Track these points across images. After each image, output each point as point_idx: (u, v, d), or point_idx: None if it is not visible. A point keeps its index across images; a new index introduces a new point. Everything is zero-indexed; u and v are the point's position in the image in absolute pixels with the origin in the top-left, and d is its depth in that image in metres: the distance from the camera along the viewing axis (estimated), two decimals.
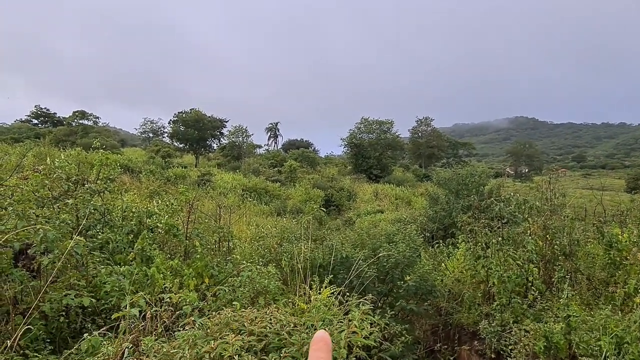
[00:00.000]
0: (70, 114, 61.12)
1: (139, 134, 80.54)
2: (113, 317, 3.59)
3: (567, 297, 5.04)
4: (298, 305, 4.57)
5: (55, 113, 70.54)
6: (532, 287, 6.22)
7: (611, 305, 5.08)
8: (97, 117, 62.64)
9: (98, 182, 7.58)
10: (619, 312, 4.95)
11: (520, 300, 6.08)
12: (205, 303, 4.92)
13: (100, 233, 6.60)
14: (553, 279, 6.24)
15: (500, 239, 7.42)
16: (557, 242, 6.71)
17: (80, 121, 59.91)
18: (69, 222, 5.75)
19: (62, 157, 7.83)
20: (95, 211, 6.81)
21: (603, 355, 4.17)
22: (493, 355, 5.80)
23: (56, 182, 6.81)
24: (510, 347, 5.18)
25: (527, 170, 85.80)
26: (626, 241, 6.32)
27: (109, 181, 7.92)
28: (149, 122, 77.82)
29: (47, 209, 6.17)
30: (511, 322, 5.74)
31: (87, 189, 6.83)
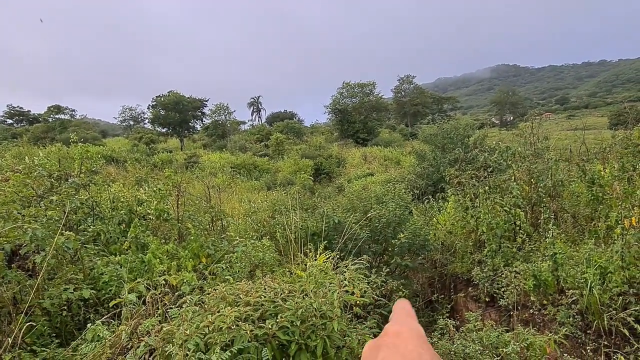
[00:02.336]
0: (45, 110, 59.32)
1: (119, 122, 78.75)
2: (110, 304, 3.65)
3: (552, 236, 5.22)
4: (295, 273, 4.68)
5: (29, 110, 68.36)
6: (520, 231, 6.42)
7: (594, 238, 5.29)
8: (74, 111, 60.95)
9: (81, 175, 7.49)
10: (602, 244, 5.16)
11: (509, 244, 6.28)
12: (205, 281, 5.02)
13: (91, 226, 6.59)
14: (539, 221, 6.43)
15: (487, 188, 7.57)
16: (542, 184, 6.86)
17: (57, 116, 58.30)
18: (57, 218, 5.72)
19: (41, 155, 7.67)
20: (83, 205, 6.77)
21: (589, 286, 4.38)
22: (487, 299, 6.05)
23: (38, 180, 6.72)
24: (502, 290, 5.40)
25: (512, 118, 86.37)
26: (608, 176, 6.49)
27: (92, 173, 7.84)
28: (127, 110, 75.92)
29: (34, 207, 6.12)
30: (502, 266, 5.96)
31: (71, 184, 6.75)
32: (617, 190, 5.68)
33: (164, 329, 2.43)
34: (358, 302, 3.56)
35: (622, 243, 4.45)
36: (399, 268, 7.15)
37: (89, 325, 3.67)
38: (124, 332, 2.59)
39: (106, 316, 3.83)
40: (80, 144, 7.68)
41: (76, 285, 4.82)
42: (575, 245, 5.59)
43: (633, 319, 3.73)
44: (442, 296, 7.22)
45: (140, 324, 2.84)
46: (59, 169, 7.29)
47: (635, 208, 4.95)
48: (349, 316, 3.50)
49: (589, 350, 3.92)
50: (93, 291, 4.79)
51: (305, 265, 4.90)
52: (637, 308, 3.81)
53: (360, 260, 4.93)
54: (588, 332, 4.27)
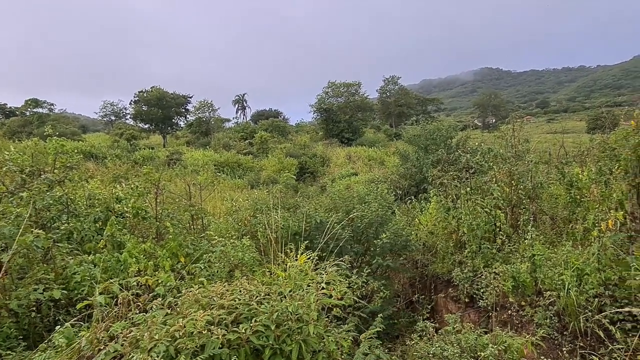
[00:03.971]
0: (23, 104, 57.53)
1: (100, 117, 77.18)
2: (78, 307, 3.50)
3: (531, 237, 5.27)
4: (275, 274, 4.60)
5: (5, 104, 66.17)
6: (500, 232, 6.47)
7: (572, 240, 5.36)
8: (52, 105, 59.26)
9: (55, 171, 7.24)
10: (579, 246, 5.23)
11: (489, 245, 6.33)
12: (183, 282, 4.89)
13: (66, 224, 6.37)
14: (519, 222, 6.50)
15: (468, 189, 7.62)
16: (522, 186, 6.94)
17: (35, 110, 56.60)
18: (27, 215, 5.49)
19: (12, 149, 7.36)
20: (57, 202, 6.54)
21: (566, 288, 4.43)
22: (467, 300, 6.09)
23: (9, 176, 6.46)
24: (482, 290, 5.43)
25: (494, 120, 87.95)
26: (586, 179, 6.60)
27: (67, 169, 7.57)
28: (109, 105, 74.38)
29: (3, 204, 5.87)
30: (482, 267, 5.99)
31: (44, 180, 6.51)
32: (595, 193, 5.77)
33: (131, 334, 2.32)
34: (331, 304, 3.50)
35: (599, 245, 4.52)
36: (380, 268, 7.13)
37: (57, 327, 3.51)
38: (84, 338, 2.45)
39: (76, 318, 3.67)
40: (55, 138, 7.41)
41: (47, 286, 4.63)
42: (553, 247, 5.66)
43: (608, 320, 3.78)
44: (423, 296, 7.24)
45: (110, 327, 2.71)
46: (31, 164, 7.03)
47: (611, 211, 5.04)
48: (327, 318, 3.43)
49: (565, 352, 3.96)
50: (64, 292, 4.61)
51: (286, 265, 4.82)
52: (613, 310, 3.86)
53: (340, 260, 4.87)
54: (564, 333, 4.32)
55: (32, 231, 4.75)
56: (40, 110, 56.96)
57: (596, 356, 3.55)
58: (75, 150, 8.69)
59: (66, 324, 3.54)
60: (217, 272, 5.23)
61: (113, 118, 74.24)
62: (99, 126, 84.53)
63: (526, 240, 5.36)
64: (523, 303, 4.96)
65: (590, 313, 4.11)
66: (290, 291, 3.02)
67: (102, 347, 2.32)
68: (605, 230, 4.73)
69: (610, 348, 3.56)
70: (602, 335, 3.75)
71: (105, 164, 25.09)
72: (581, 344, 4.08)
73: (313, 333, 2.56)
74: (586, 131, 48.60)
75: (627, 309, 3.22)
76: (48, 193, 6.18)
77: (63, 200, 6.76)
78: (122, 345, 2.33)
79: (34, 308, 4.47)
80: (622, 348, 3.51)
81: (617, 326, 3.72)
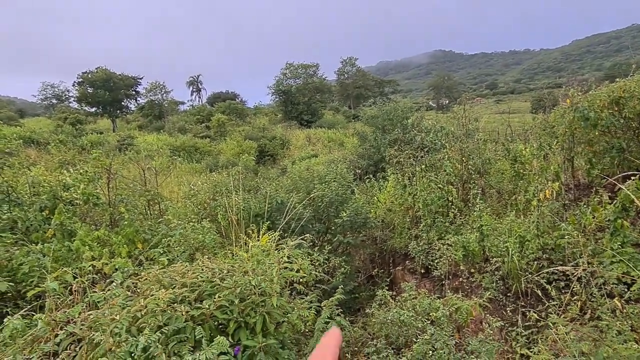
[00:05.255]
0: None
1: (40, 101, 71.62)
2: (28, 294, 3.36)
3: (479, 209, 5.62)
4: (238, 255, 4.62)
5: None
6: (452, 206, 6.85)
7: (515, 211, 5.78)
8: None
9: None
10: (522, 215, 5.66)
11: (442, 219, 6.69)
12: (141, 267, 4.80)
13: (7, 213, 6.01)
14: (469, 196, 6.89)
15: (423, 166, 7.95)
16: (472, 163, 7.33)
17: None
18: None
19: None
20: None
21: (509, 254, 4.81)
22: (422, 271, 6.43)
23: None
24: (436, 261, 5.75)
25: (447, 101, 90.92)
26: (528, 155, 7.08)
27: (6, 155, 7.10)
28: (49, 87, 69.06)
29: None
30: (436, 239, 6.33)
31: None
32: (535, 166, 6.22)
33: (91, 316, 2.29)
34: (300, 279, 3.61)
35: (538, 214, 4.91)
36: (341, 245, 7.33)
37: (6, 319, 3.36)
38: (40, 321, 2.38)
39: (26, 309, 3.52)
40: None
41: None
42: (499, 218, 6.07)
43: (545, 280, 4.16)
44: (382, 271, 7.54)
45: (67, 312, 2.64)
46: None
47: (549, 182, 5.47)
48: (290, 294, 3.53)
49: (508, 311, 4.33)
50: (11, 284, 4.39)
51: (248, 246, 4.85)
52: (549, 270, 4.26)
53: (302, 238, 4.97)
54: (508, 294, 4.71)
55: None
56: None
57: (535, 312, 3.91)
58: (14, 136, 8.14)
59: (16, 314, 3.39)
60: (178, 256, 5.17)
61: (55, 101, 69.16)
62: (38, 110, 78.50)
63: (475, 213, 5.71)
64: (472, 270, 5.33)
65: (530, 275, 4.50)
66: (252, 267, 3.08)
67: (59, 332, 2.26)
68: (544, 200, 5.14)
69: (547, 305, 3.93)
70: (540, 294, 4.13)
71: (48, 150, 23.54)
72: (522, 303, 4.48)
73: (276, 305, 2.64)
74: (530, 111, 51.28)
75: (560, 268, 3.56)
76: None
77: (3, 188, 6.36)
78: (80, 328, 2.29)
79: None
80: (557, 304, 3.89)
81: (552, 285, 4.11)
